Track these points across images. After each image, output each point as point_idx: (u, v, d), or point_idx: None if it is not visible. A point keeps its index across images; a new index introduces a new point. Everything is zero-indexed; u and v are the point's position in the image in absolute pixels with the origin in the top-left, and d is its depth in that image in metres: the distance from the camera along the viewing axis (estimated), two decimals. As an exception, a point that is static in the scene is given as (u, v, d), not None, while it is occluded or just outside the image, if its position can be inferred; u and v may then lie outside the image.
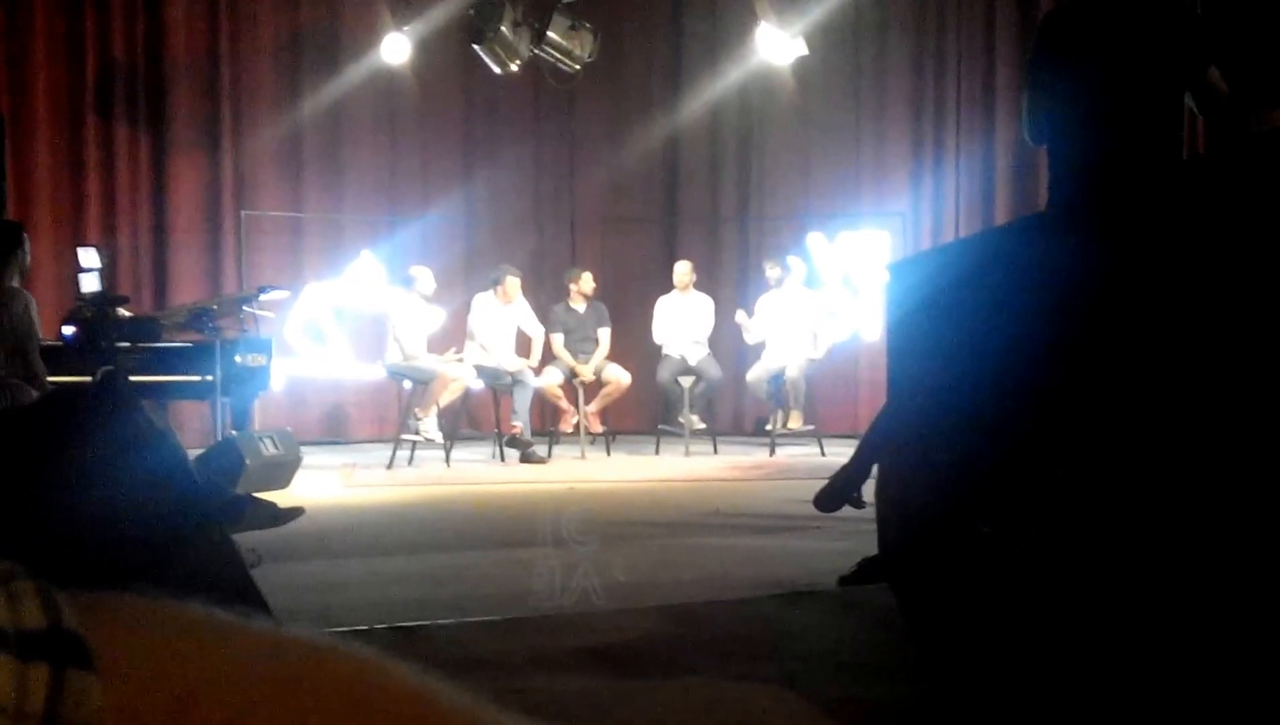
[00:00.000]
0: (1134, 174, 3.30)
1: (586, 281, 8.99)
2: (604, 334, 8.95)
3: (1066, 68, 3.48)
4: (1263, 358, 1.92)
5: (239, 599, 0.66)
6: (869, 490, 3.95)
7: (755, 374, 8.84)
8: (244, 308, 7.06)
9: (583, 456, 8.37)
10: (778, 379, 8.70)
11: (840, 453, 6.33)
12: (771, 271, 8.97)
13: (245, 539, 4.34)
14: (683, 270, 9.23)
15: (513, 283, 8.58)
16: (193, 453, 5.37)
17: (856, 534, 4.14)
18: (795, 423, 8.77)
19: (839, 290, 9.75)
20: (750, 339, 8.96)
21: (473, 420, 9.13)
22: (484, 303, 8.56)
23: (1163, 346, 2.26)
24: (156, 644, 0.44)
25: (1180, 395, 2.17)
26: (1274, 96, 3.43)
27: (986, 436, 2.97)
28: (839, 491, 4.08)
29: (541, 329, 8.82)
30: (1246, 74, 3.43)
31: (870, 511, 3.86)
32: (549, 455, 8.28)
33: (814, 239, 9.99)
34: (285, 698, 0.43)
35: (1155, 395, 2.26)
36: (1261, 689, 1.81)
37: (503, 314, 8.58)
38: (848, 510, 4.15)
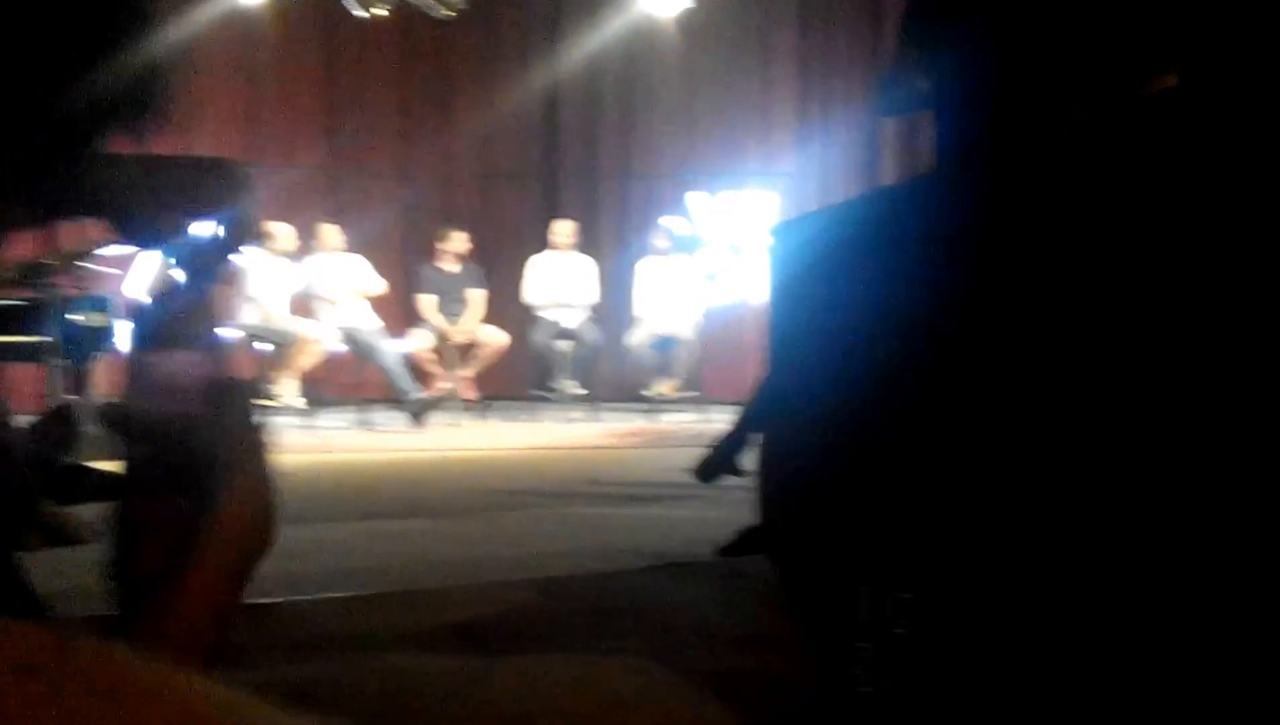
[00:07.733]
0: (1023, 135, 3.13)
1: (458, 241, 8.61)
2: (476, 296, 8.57)
3: (957, 30, 3.29)
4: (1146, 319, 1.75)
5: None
6: (750, 459, 3.77)
7: (638, 338, 8.61)
8: (83, 263, 6.68)
9: (457, 423, 8.04)
10: (663, 343, 8.48)
11: (723, 419, 6.17)
12: (660, 242, 8.86)
13: (80, 512, 4.02)
14: (566, 230, 8.95)
15: (327, 231, 8.30)
16: (25, 419, 4.98)
17: (737, 503, 3.98)
18: (669, 389, 8.56)
19: (722, 253, 9.56)
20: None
21: (336, 385, 8.72)
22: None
23: (1053, 318, 2.08)
24: None
25: (1075, 371, 2.00)
26: (1162, 61, 3.29)
27: (866, 407, 2.76)
28: (719, 461, 3.98)
29: (382, 282, 8.45)
30: (1134, 39, 3.29)
31: (751, 480, 3.64)
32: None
33: (694, 199, 9.76)
34: (18, 689, 0.39)
35: (1043, 370, 2.08)
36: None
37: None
38: (728, 479, 4.00)
